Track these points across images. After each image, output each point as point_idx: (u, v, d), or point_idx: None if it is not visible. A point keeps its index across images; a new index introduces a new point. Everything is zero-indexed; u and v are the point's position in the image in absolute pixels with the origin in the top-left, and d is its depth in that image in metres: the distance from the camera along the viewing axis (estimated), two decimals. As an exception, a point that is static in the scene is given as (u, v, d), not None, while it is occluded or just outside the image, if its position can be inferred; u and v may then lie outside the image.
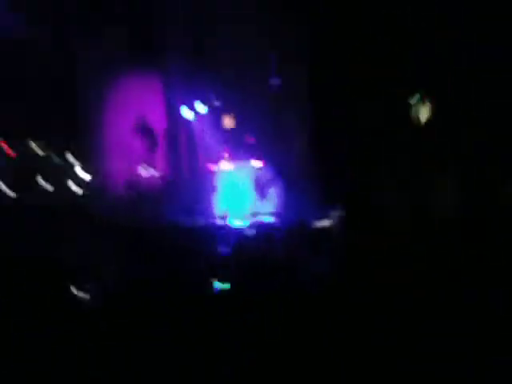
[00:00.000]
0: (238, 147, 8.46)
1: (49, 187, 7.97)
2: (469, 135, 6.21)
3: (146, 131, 8.55)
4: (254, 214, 7.79)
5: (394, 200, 5.03)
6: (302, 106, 8.04)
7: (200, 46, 8.10)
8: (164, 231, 6.08)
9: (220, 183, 8.29)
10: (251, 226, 6.77)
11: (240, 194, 8.19)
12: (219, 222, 7.60)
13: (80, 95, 8.24)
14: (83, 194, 8.25)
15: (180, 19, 7.94)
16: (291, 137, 8.34)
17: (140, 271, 4.24)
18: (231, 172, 8.41)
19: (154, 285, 3.82)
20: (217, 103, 8.40)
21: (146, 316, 3.09)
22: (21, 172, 7.81)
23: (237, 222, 7.52)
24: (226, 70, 7.92)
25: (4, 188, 7.43)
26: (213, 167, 8.51)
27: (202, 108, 8.48)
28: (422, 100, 7.07)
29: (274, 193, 8.07)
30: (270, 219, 7.62)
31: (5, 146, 7.62)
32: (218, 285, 3.79)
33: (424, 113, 7.02)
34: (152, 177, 8.64)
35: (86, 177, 8.36)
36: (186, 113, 8.53)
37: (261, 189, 8.18)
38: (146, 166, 8.59)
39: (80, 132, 8.34)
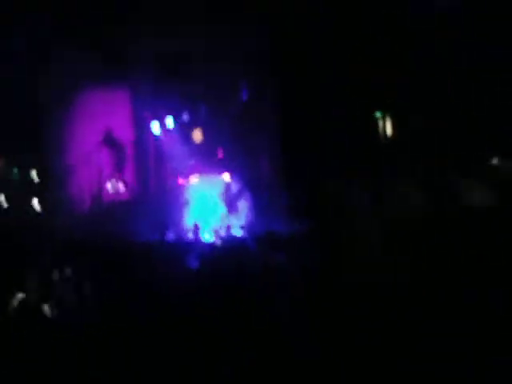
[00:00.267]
0: (207, 161, 8.45)
1: (5, 204, 7.67)
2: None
3: (113, 145, 8.41)
4: (224, 228, 7.76)
5: (364, 212, 5.12)
6: (270, 120, 8.14)
7: (169, 60, 8.09)
8: (132, 246, 5.96)
9: (189, 197, 8.24)
10: (221, 240, 6.75)
11: (209, 207, 8.16)
12: (189, 235, 7.52)
13: (44, 109, 8.03)
14: (46, 211, 7.97)
15: (149, 33, 7.91)
16: (260, 150, 8.41)
17: (107, 288, 4.13)
18: (200, 186, 8.38)
19: (122, 301, 3.73)
20: (185, 117, 8.38)
21: (113, 334, 3.02)
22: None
23: (206, 236, 7.48)
24: (196, 83, 7.93)
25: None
26: (182, 181, 8.45)
27: (170, 122, 8.44)
28: (387, 115, 7.30)
29: (243, 206, 8.09)
30: (240, 232, 7.62)
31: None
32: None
33: (390, 126, 7.25)
34: (119, 191, 8.48)
35: (50, 193, 8.10)
36: (154, 127, 8.46)
37: (230, 202, 8.19)
38: (113, 180, 8.43)
39: (44, 147, 8.09)
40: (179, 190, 8.42)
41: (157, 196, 8.51)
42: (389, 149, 6.92)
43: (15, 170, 8.01)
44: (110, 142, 8.40)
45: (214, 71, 7.80)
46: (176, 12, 7.57)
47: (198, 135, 8.49)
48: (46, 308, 3.53)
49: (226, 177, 8.38)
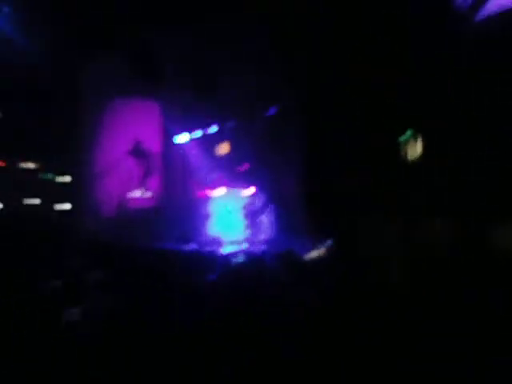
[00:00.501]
0: (232, 174, 8.55)
1: (37, 202, 7.97)
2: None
3: (141, 155, 8.65)
4: (245, 241, 7.80)
5: (388, 236, 5.03)
6: (296, 134, 8.17)
7: (198, 75, 8.28)
8: (154, 255, 6.07)
9: (212, 209, 8.34)
10: (241, 253, 6.78)
11: (231, 220, 8.22)
12: (209, 247, 7.59)
13: (79, 118, 8.35)
14: (76, 214, 8.23)
15: (179, 48, 8.15)
16: (284, 165, 8.45)
17: (129, 294, 4.22)
18: (224, 199, 8.47)
19: (144, 308, 3.81)
20: (212, 130, 8.54)
21: (137, 339, 3.09)
22: (14, 188, 7.80)
23: (227, 249, 7.52)
24: (223, 97, 8.08)
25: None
26: (206, 193, 8.57)
27: (197, 134, 8.62)
28: (414, 135, 7.18)
29: (265, 220, 8.11)
30: (261, 246, 7.63)
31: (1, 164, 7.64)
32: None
33: (416, 148, 7.13)
34: (145, 199, 8.68)
35: (81, 197, 8.37)
36: (181, 139, 8.65)
37: (252, 216, 8.23)
38: (140, 188, 8.65)
39: (77, 153, 8.40)
40: (203, 201, 8.54)
41: (181, 206, 8.66)
42: (419, 175, 6.76)
43: (50, 175, 8.34)
44: (139, 151, 8.65)
45: (241, 86, 7.93)
46: (204, 27, 7.76)
47: (223, 149, 8.62)
48: (73, 310, 3.63)
49: (250, 191, 8.45)
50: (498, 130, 5.53)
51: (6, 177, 7.71)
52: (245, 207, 8.31)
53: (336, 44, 7.08)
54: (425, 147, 7.10)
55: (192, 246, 7.42)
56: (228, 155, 8.56)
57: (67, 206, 8.20)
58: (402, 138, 7.04)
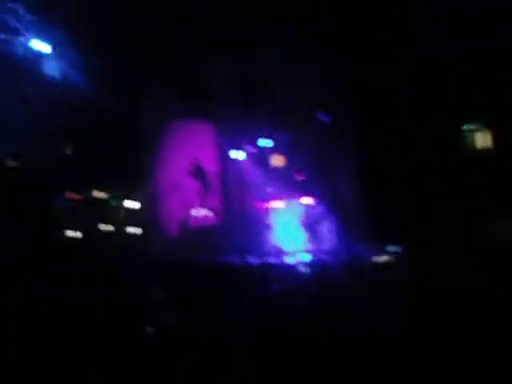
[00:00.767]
0: (289, 185, 8.55)
1: (110, 229, 8.44)
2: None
3: (199, 174, 8.92)
4: (307, 251, 7.73)
5: (455, 234, 4.80)
6: (352, 143, 8.05)
7: (250, 90, 8.43)
8: (218, 270, 6.17)
9: (272, 221, 8.37)
10: (305, 264, 6.72)
11: (292, 231, 8.20)
12: (272, 260, 7.60)
13: (141, 142, 8.80)
14: (141, 235, 8.61)
15: (231, 66, 8.37)
16: (340, 174, 8.33)
17: (197, 309, 4.31)
18: (282, 210, 8.48)
19: (211, 322, 3.88)
20: (266, 143, 8.63)
21: (206, 351, 3.15)
22: (85, 215, 8.33)
23: (290, 260, 7.49)
24: (275, 109, 8.15)
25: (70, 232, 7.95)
26: (264, 206, 8.63)
27: (252, 149, 8.75)
28: (477, 128, 6.86)
29: (326, 229, 8.01)
30: (323, 256, 7.52)
31: (72, 194, 8.20)
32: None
33: (481, 141, 6.79)
34: (206, 217, 8.90)
35: (144, 218, 8.76)
36: (236, 155, 8.83)
37: (312, 226, 8.16)
38: (200, 207, 8.89)
39: (139, 176, 8.83)
40: (262, 214, 8.61)
41: (240, 221, 8.77)
42: (479, 169, 6.43)
43: (113, 200, 8.83)
44: (198, 171, 8.93)
45: (293, 97, 7.96)
46: (252, 42, 7.91)
47: (278, 160, 8.67)
48: (147, 328, 3.78)
49: (308, 201, 8.40)
50: None
51: (81, 208, 8.24)
52: (304, 217, 8.26)
53: (390, 48, 6.97)
54: (493, 139, 6.74)
55: (255, 259, 7.47)
56: (285, 167, 8.59)
57: (137, 230, 8.62)
58: (467, 133, 6.73)
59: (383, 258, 5.44)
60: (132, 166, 8.51)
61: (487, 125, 6.78)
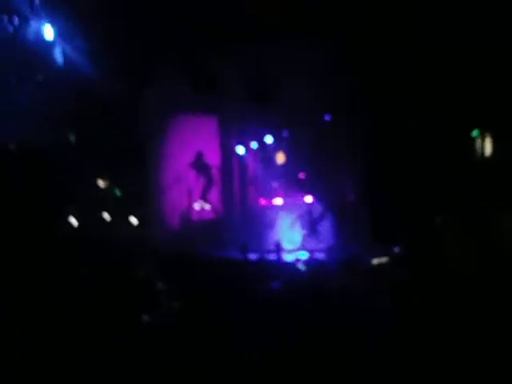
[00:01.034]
0: (290, 183, 8.59)
1: (111, 218, 8.48)
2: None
3: (202, 167, 8.95)
4: (306, 250, 7.77)
5: (459, 237, 4.81)
6: (354, 142, 8.07)
7: (253, 87, 8.44)
8: (216, 264, 6.21)
9: (273, 218, 8.41)
10: (303, 262, 6.76)
11: (291, 229, 8.24)
12: (271, 256, 7.65)
13: (143, 134, 8.81)
14: (141, 226, 8.65)
15: (235, 63, 8.36)
16: (342, 173, 8.35)
17: (194, 302, 4.36)
18: (283, 207, 8.52)
19: (208, 316, 3.92)
20: (270, 140, 8.66)
21: (202, 346, 3.19)
22: (86, 204, 8.36)
23: (288, 257, 7.54)
24: (280, 107, 8.17)
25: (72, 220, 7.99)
26: (265, 202, 8.67)
27: (255, 145, 8.77)
28: (482, 134, 6.88)
29: (325, 228, 8.05)
30: (322, 255, 7.57)
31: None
32: None
33: (486, 147, 6.82)
34: (207, 211, 8.95)
35: (145, 210, 8.80)
36: (239, 150, 8.85)
37: (312, 224, 8.20)
38: (201, 200, 8.94)
39: (142, 168, 8.85)
40: (262, 211, 8.64)
41: (241, 216, 8.82)
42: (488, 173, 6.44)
43: (117, 190, 8.86)
44: (199, 164, 8.95)
45: (297, 94, 7.97)
46: (259, 41, 7.91)
47: (281, 158, 8.70)
48: (144, 317, 3.82)
49: (309, 199, 8.43)
50: None
51: (82, 195, 8.27)
52: (304, 215, 8.30)
53: (394, 42, 6.95)
54: (494, 145, 6.76)
55: (253, 255, 7.51)
56: (286, 164, 8.62)
57: (139, 220, 8.66)
58: (472, 137, 6.74)
59: (383, 259, 5.48)
60: (135, 156, 8.54)
61: (493, 129, 6.80)
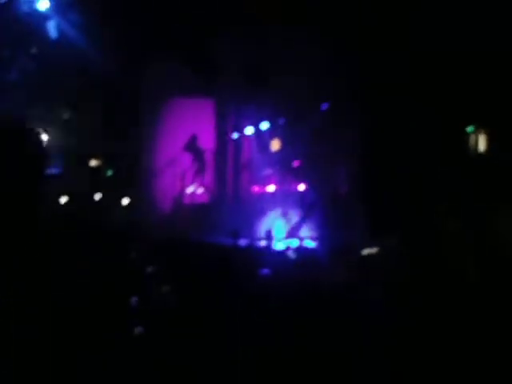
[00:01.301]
0: (284, 170, 8.55)
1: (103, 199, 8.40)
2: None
3: (195, 151, 8.86)
4: (297, 238, 7.78)
5: (454, 228, 4.80)
6: (351, 130, 8.03)
7: (253, 72, 8.34)
8: (207, 249, 6.20)
9: (264, 205, 8.38)
10: (294, 249, 6.78)
11: (283, 217, 8.23)
12: (261, 243, 7.64)
13: (140, 113, 8.68)
14: (133, 209, 8.58)
15: (234, 47, 8.24)
16: (337, 162, 8.33)
17: (184, 287, 4.34)
18: (276, 194, 8.49)
19: (197, 300, 3.91)
20: (265, 127, 8.58)
21: (190, 330, 3.18)
22: (78, 184, 8.27)
23: (279, 245, 7.54)
24: (277, 94, 8.08)
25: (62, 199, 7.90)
26: (258, 189, 8.64)
27: (250, 131, 8.70)
28: (477, 130, 6.89)
29: (317, 217, 8.05)
30: (313, 243, 7.59)
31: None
32: None
33: (480, 142, 6.84)
34: (199, 195, 8.90)
35: (138, 192, 8.72)
36: (235, 135, 8.77)
37: (304, 212, 8.19)
38: (194, 184, 8.87)
39: (135, 150, 8.75)
40: (255, 197, 8.61)
41: (233, 202, 8.78)
42: (483, 168, 6.45)
43: (109, 171, 8.76)
44: (194, 147, 8.86)
45: (297, 83, 7.89)
46: (257, 27, 7.81)
47: (276, 145, 8.64)
48: (133, 300, 3.80)
49: (302, 187, 8.41)
50: None
51: (76, 174, 8.17)
52: (296, 203, 8.28)
53: (393, 38, 6.91)
54: (489, 140, 6.78)
55: (245, 242, 7.50)
56: (280, 151, 8.57)
57: (126, 201, 8.58)
58: (466, 132, 6.75)
59: (373, 249, 5.49)
60: (129, 137, 8.43)
61: (488, 125, 6.82)
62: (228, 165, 8.96)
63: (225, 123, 8.87)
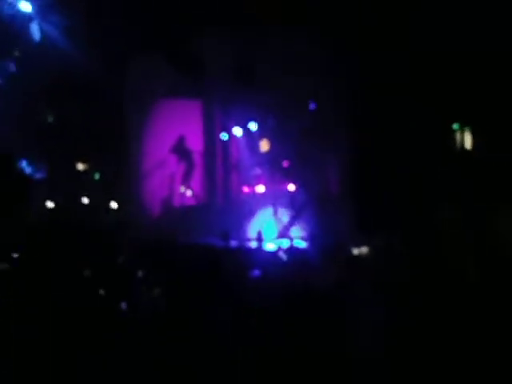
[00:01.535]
0: (273, 171, 8.52)
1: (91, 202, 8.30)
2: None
3: (185, 153, 8.80)
4: (287, 238, 7.76)
5: (454, 228, 4.80)
6: (338, 130, 8.04)
7: (239, 73, 8.30)
8: (197, 251, 6.14)
9: (254, 206, 8.35)
10: (284, 250, 6.75)
11: (273, 217, 8.20)
12: (252, 244, 7.61)
13: (126, 118, 8.59)
14: (121, 211, 8.49)
15: (221, 48, 8.20)
16: (327, 162, 8.33)
17: (174, 289, 4.29)
18: (266, 195, 8.46)
19: (187, 302, 3.86)
20: (254, 127, 8.55)
21: (180, 332, 3.14)
22: (65, 188, 8.15)
23: (270, 246, 7.51)
24: (265, 95, 8.06)
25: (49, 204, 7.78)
26: (248, 190, 8.60)
27: (239, 132, 8.65)
28: (463, 127, 6.94)
29: (307, 217, 8.03)
30: (303, 243, 7.57)
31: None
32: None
33: (467, 140, 6.89)
34: (189, 197, 8.83)
35: (126, 195, 8.63)
36: (223, 136, 8.72)
37: (294, 212, 8.17)
38: (182, 186, 8.80)
39: (123, 153, 8.65)
40: (245, 198, 8.57)
41: (223, 203, 8.73)
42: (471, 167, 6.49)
43: (96, 174, 8.66)
44: (181, 149, 8.79)
45: (284, 83, 7.88)
46: (244, 28, 7.78)
47: (265, 145, 8.61)
48: (122, 305, 3.73)
49: (292, 187, 8.39)
50: None
51: (61, 178, 8.05)
52: (286, 204, 8.26)
53: (380, 38, 6.93)
54: (474, 139, 6.83)
55: (235, 243, 7.46)
56: (270, 152, 8.54)
57: (115, 205, 8.49)
58: (452, 130, 6.79)
59: (364, 248, 5.49)
60: (117, 139, 8.33)
61: (478, 124, 6.86)
62: (217, 166, 8.91)
63: (213, 124, 8.82)
